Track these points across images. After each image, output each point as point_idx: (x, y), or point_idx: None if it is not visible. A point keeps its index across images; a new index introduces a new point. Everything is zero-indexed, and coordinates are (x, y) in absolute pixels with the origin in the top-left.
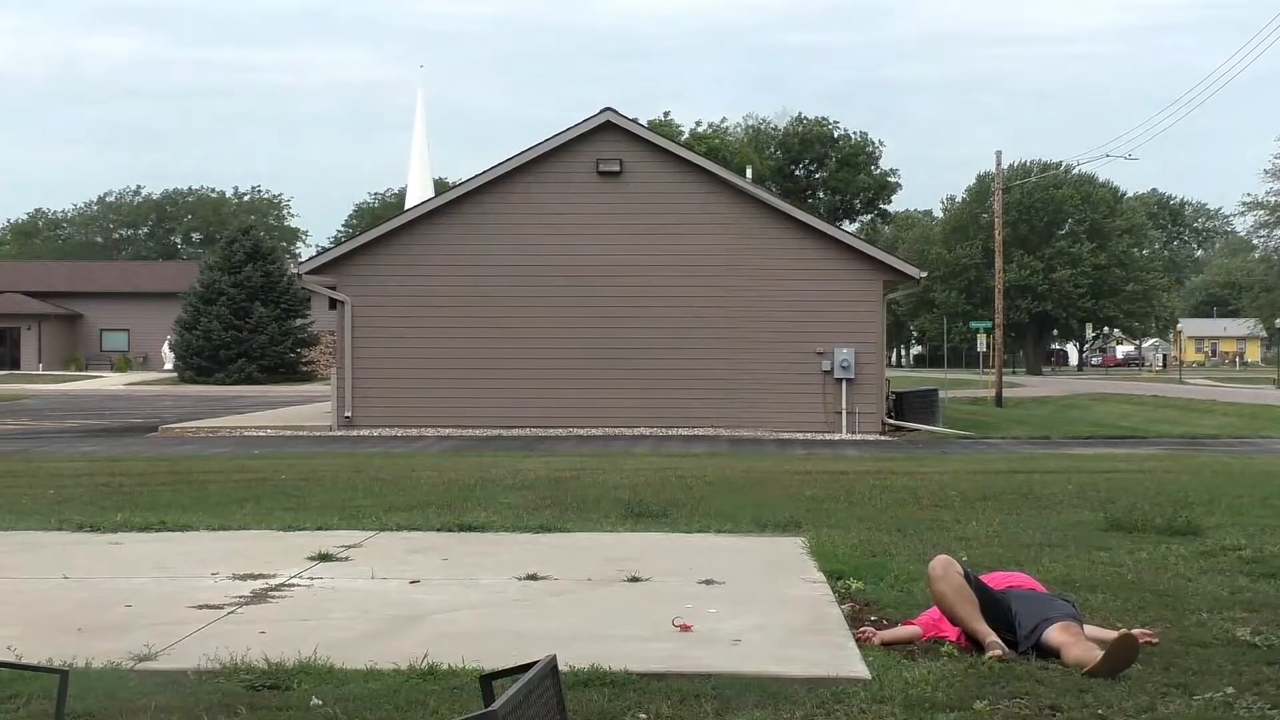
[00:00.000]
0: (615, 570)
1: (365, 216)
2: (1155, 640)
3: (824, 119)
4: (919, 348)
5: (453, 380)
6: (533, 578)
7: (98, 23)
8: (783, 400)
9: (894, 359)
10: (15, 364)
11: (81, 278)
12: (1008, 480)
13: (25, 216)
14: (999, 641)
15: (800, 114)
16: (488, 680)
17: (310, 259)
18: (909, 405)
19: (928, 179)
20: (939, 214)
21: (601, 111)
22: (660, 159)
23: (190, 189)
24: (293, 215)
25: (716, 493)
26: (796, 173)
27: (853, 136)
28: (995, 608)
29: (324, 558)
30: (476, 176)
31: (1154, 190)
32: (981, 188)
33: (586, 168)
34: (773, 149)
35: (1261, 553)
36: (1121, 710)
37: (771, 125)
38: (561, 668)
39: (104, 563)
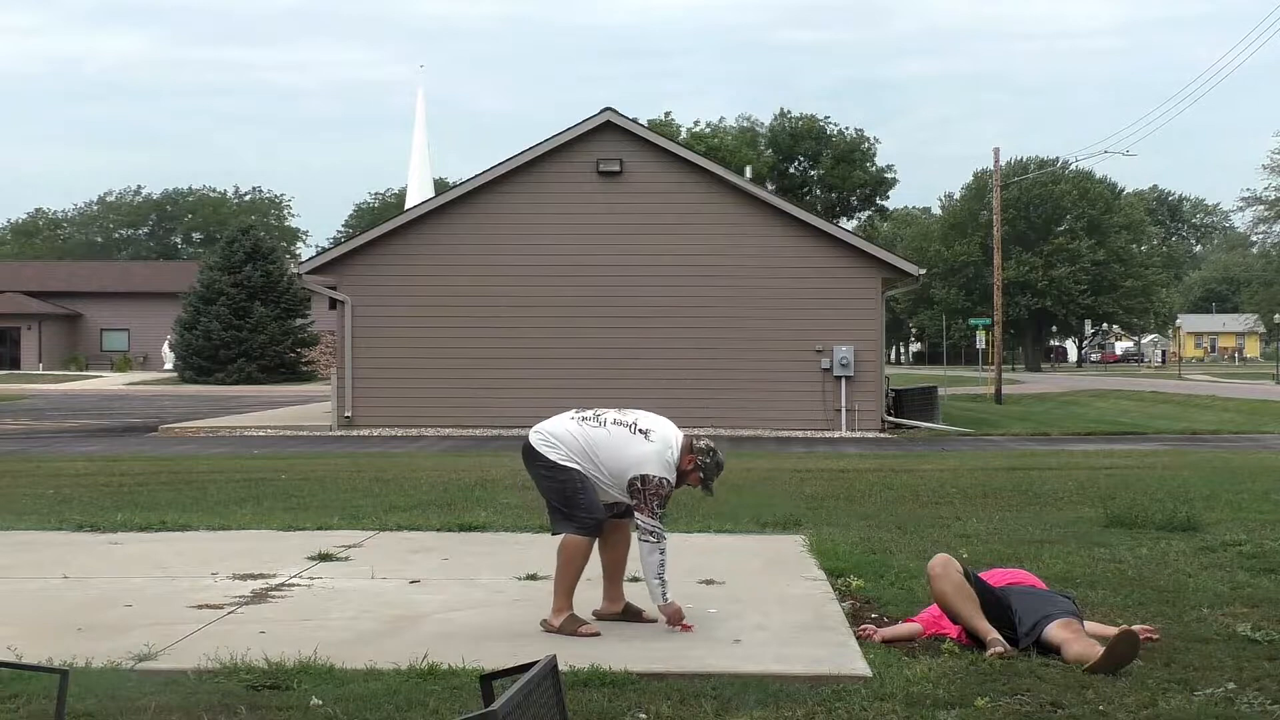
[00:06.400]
0: None
1: (365, 216)
2: (1156, 636)
3: (811, 115)
4: (918, 345)
5: (453, 380)
6: (533, 578)
7: (98, 22)
8: (782, 398)
9: (893, 356)
10: (15, 364)
11: (81, 278)
12: (1007, 477)
13: (25, 216)
14: (1000, 639)
15: (783, 109)
16: (488, 680)
17: (310, 259)
18: (908, 403)
19: (927, 176)
20: (937, 211)
21: (602, 111)
22: (660, 159)
23: (190, 189)
24: (293, 215)
25: (716, 492)
26: (791, 170)
27: (847, 133)
28: (995, 605)
29: (324, 558)
30: (477, 176)
31: (1154, 186)
32: (980, 185)
33: (587, 168)
34: (764, 147)
35: (1262, 548)
36: (1123, 706)
37: (759, 123)
38: (561, 668)
39: (104, 563)
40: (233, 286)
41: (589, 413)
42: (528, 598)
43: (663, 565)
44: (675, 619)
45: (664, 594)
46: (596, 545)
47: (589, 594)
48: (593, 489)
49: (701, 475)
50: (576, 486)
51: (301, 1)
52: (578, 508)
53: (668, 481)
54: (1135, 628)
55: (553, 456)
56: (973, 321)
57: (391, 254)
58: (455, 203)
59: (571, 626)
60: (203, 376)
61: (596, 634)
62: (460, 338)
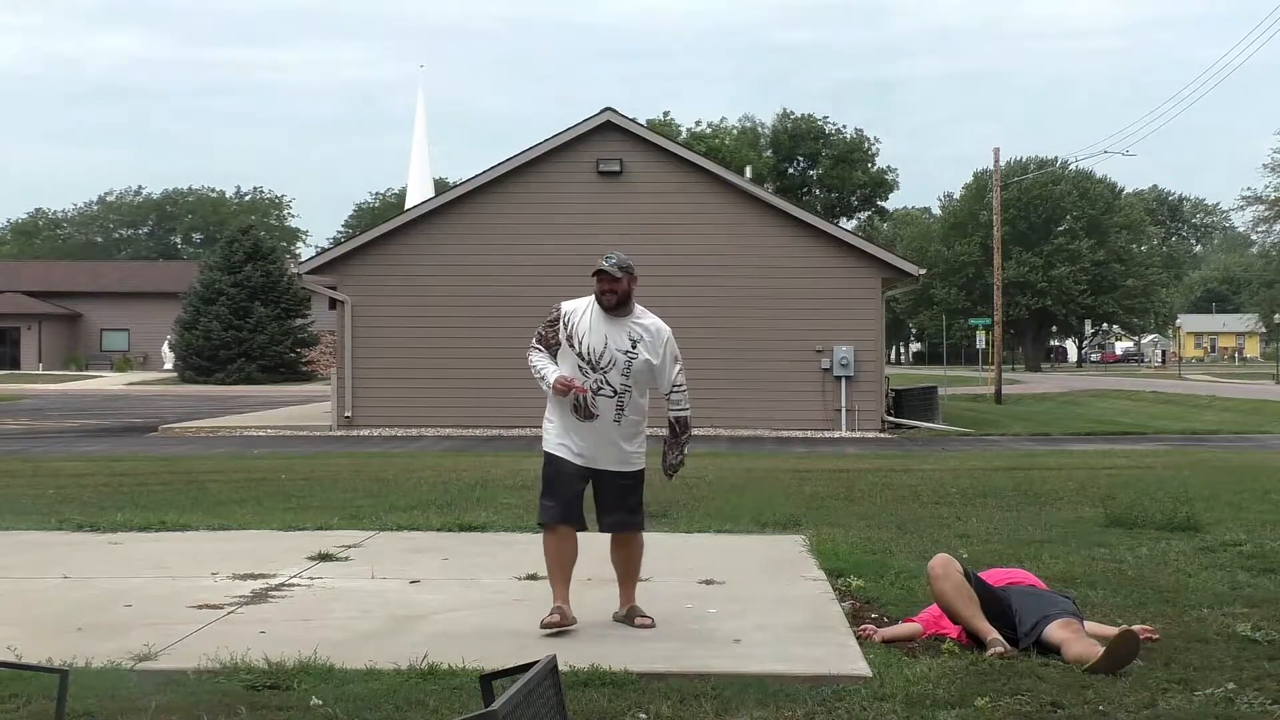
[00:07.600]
0: None
1: (365, 216)
2: (1156, 636)
3: (811, 115)
4: (918, 345)
5: (453, 380)
6: (533, 578)
7: (98, 22)
8: (782, 398)
9: (893, 356)
10: (15, 364)
11: (81, 278)
12: (1007, 477)
13: (25, 216)
14: (1000, 639)
15: (785, 109)
16: (488, 680)
17: (310, 259)
18: (908, 403)
19: (927, 176)
20: (937, 211)
21: (601, 111)
22: (660, 158)
23: (190, 189)
24: (293, 215)
25: (716, 492)
26: (790, 170)
27: (847, 134)
28: (996, 605)
29: (324, 558)
30: (477, 176)
31: (1154, 186)
32: (980, 185)
33: (587, 167)
34: (764, 147)
35: (1262, 548)
36: (1123, 706)
37: (760, 123)
38: (561, 668)
39: (104, 563)
40: (233, 286)
41: None
42: (528, 598)
43: (539, 369)
44: (562, 388)
45: (546, 383)
46: (609, 546)
47: (593, 594)
48: (558, 480)
49: (595, 275)
50: (546, 474)
51: (301, 1)
52: (541, 496)
53: (557, 306)
54: (1135, 628)
55: (545, 445)
56: (973, 321)
57: (391, 254)
58: (455, 203)
59: (546, 619)
60: (203, 376)
61: (554, 625)
62: (460, 338)
